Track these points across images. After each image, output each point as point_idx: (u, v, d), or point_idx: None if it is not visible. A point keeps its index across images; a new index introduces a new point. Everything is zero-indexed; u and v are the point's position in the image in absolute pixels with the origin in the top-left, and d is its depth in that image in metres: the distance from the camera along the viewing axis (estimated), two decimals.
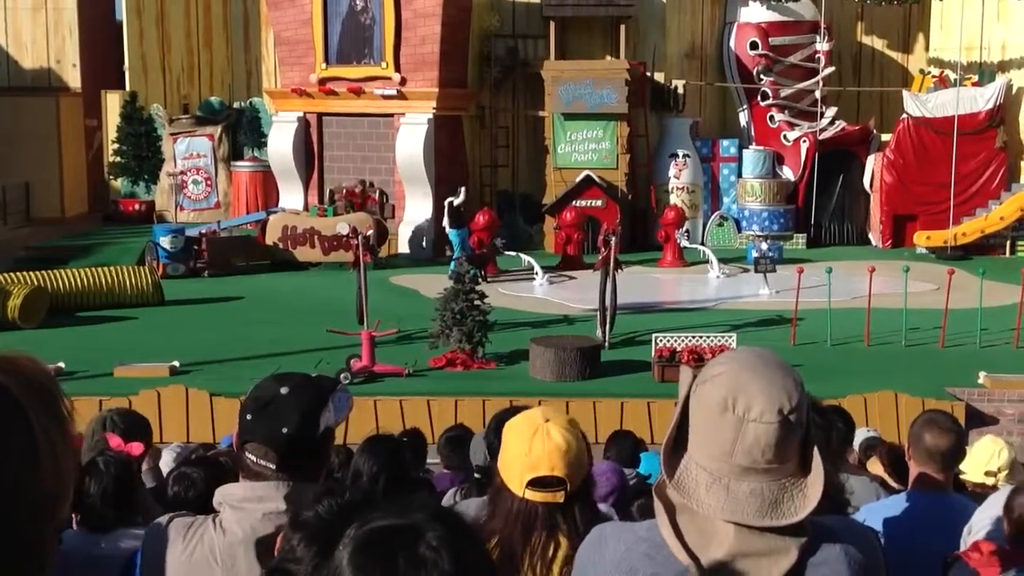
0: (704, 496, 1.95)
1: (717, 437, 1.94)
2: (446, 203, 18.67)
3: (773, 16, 22.11)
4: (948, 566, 3.41)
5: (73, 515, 3.67)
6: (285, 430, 2.60)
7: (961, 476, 4.86)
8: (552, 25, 21.42)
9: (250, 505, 2.63)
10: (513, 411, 3.01)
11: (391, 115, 20.68)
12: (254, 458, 2.64)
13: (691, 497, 1.96)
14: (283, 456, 2.60)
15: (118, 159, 23.93)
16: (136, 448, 3.66)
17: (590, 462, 2.78)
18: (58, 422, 1.38)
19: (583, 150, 21.11)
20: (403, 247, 20.19)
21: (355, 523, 1.57)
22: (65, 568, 3.21)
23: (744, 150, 21.85)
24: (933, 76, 21.66)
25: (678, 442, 2.03)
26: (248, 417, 2.67)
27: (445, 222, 18.68)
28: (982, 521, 3.43)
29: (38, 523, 1.35)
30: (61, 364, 12.14)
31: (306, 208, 20.73)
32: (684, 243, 19.67)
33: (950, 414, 4.24)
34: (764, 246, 18.69)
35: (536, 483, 2.62)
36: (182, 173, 23.34)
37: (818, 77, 21.75)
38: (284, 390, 2.66)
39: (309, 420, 2.62)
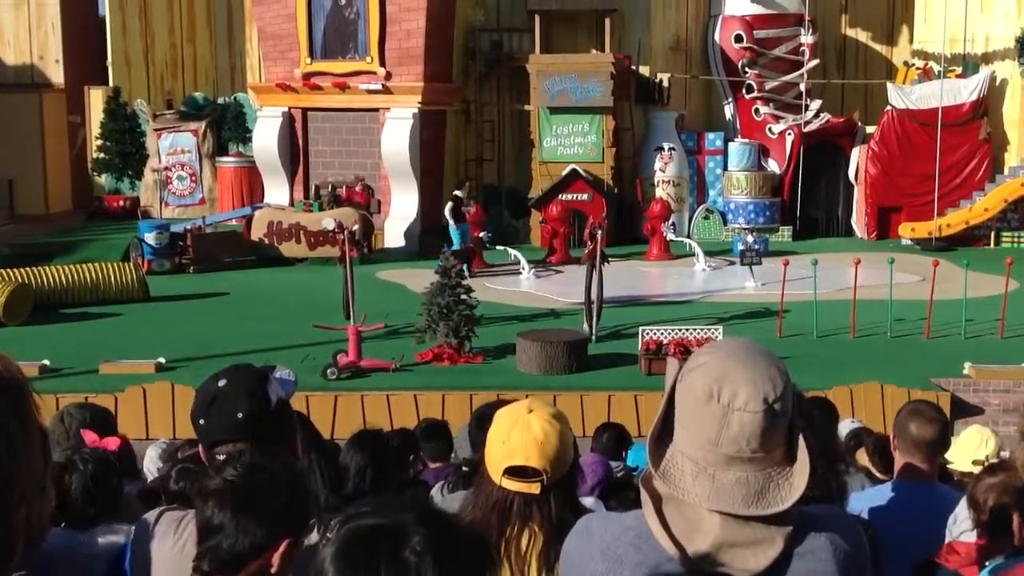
0: (690, 485, 1.95)
1: (702, 426, 1.94)
2: (452, 196, 18.70)
3: (757, 9, 22.14)
4: (923, 572, 3.42)
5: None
6: (240, 415, 2.60)
7: (948, 466, 4.89)
8: (537, 19, 21.41)
9: None
10: (497, 405, 3.01)
11: (376, 110, 20.65)
12: (225, 455, 2.63)
13: (677, 487, 1.96)
14: (249, 440, 2.59)
15: (102, 155, 23.82)
16: (112, 443, 3.64)
17: (576, 456, 2.77)
18: (22, 420, 1.36)
19: (569, 144, 21.11)
20: (389, 242, 20.16)
21: (341, 518, 1.55)
22: (48, 566, 3.19)
23: (729, 143, 21.89)
24: (917, 68, 21.72)
25: (664, 432, 2.03)
26: (202, 422, 2.67)
27: (448, 216, 18.64)
28: (966, 510, 3.44)
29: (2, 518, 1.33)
30: (46, 361, 12.11)
31: (292, 203, 20.68)
32: (670, 236, 19.70)
33: (935, 404, 4.26)
34: (750, 239, 18.73)
35: (513, 472, 2.63)
36: (166, 169, 23.26)
37: (803, 70, 21.79)
38: (222, 383, 2.67)
39: (258, 397, 2.63)
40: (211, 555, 2.17)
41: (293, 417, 2.74)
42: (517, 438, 2.63)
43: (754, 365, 1.95)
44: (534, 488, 2.62)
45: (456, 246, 17.69)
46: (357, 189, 19.81)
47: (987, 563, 3.17)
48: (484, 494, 2.70)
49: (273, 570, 2.14)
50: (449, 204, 18.73)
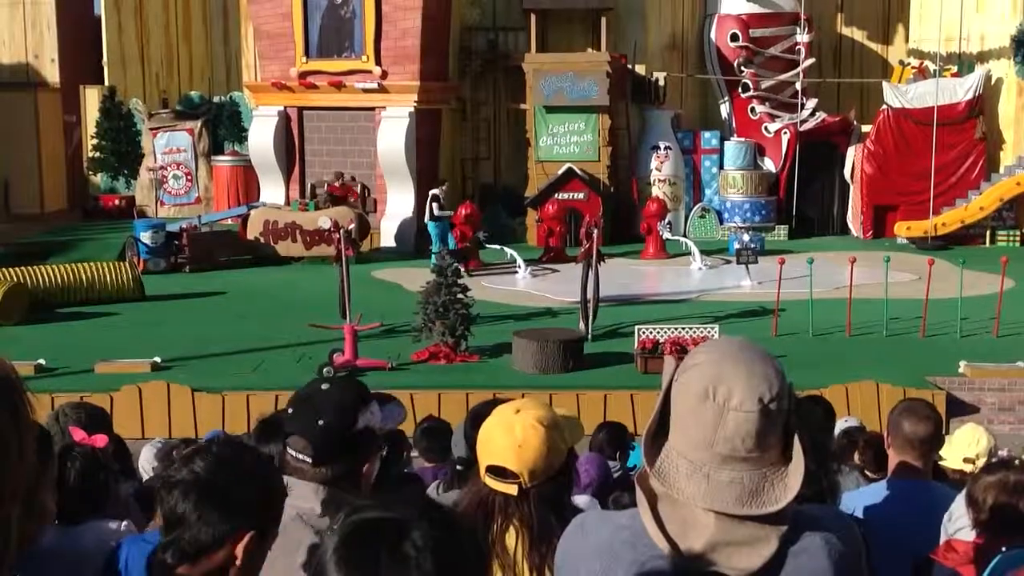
0: (684, 484, 1.95)
1: (698, 425, 1.94)
2: (430, 194, 18.72)
3: (753, 8, 22.15)
4: (922, 568, 3.43)
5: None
6: (321, 422, 2.65)
7: (941, 463, 4.90)
8: (533, 17, 21.41)
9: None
10: (492, 403, 3.01)
11: (372, 109, 20.63)
12: (294, 452, 2.68)
13: (672, 485, 1.96)
14: (319, 449, 2.62)
15: (97, 154, 23.81)
16: (100, 440, 3.66)
17: (568, 459, 2.77)
18: (16, 421, 1.36)
19: (565, 143, 21.11)
20: (385, 241, 20.16)
21: (344, 512, 1.57)
22: (41, 563, 3.20)
23: (725, 142, 21.90)
24: (913, 67, 21.76)
25: (660, 431, 2.03)
26: (289, 411, 2.75)
27: (428, 215, 18.68)
28: (961, 508, 3.45)
29: None
30: (41, 360, 12.10)
31: (287, 202, 20.67)
32: (666, 235, 19.70)
33: (928, 402, 4.27)
34: (746, 237, 18.77)
35: (494, 471, 2.64)
36: (162, 168, 23.24)
37: (799, 68, 21.79)
38: (324, 386, 2.74)
39: (345, 414, 2.66)
40: (173, 547, 2.16)
41: (376, 450, 2.76)
42: (498, 439, 2.66)
43: (750, 365, 1.95)
44: (511, 489, 2.64)
45: (435, 245, 17.70)
46: (337, 184, 19.80)
47: (992, 560, 3.17)
48: (473, 490, 2.74)
49: (237, 563, 2.13)
50: (434, 204, 18.72)
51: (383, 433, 2.82)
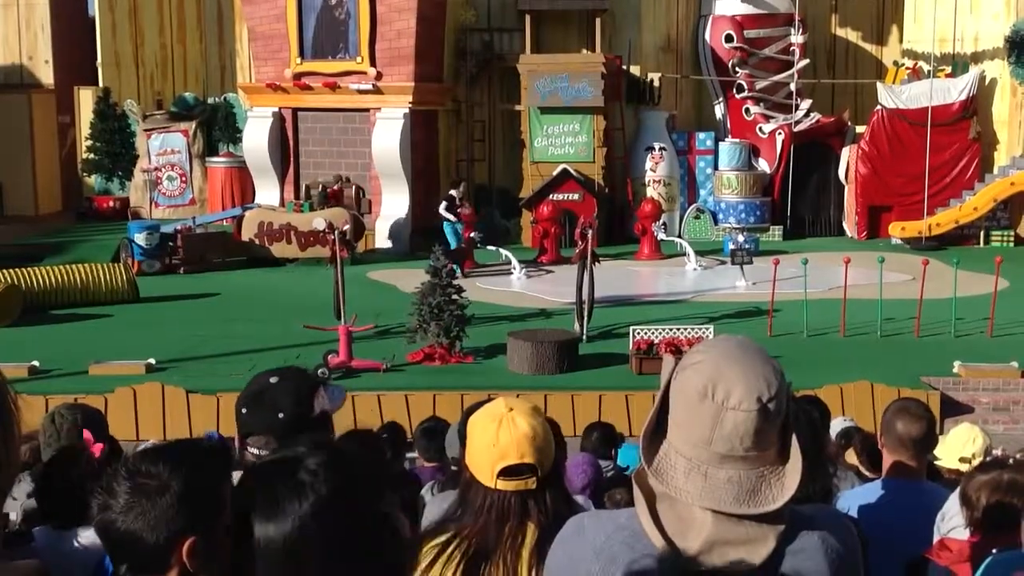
0: (682, 483, 1.95)
1: (696, 424, 1.94)
2: (447, 195, 18.81)
3: (748, 9, 22.17)
4: (916, 567, 3.43)
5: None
6: (281, 415, 2.65)
7: (936, 463, 4.90)
8: (528, 19, 21.41)
9: None
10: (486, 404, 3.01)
11: (367, 110, 20.63)
12: (256, 450, 2.65)
13: (669, 484, 1.96)
14: (283, 442, 2.61)
15: (92, 156, 23.75)
16: (97, 449, 3.66)
17: (560, 448, 2.79)
18: (1, 419, 1.36)
19: (559, 144, 21.11)
20: (380, 242, 20.15)
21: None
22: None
23: (720, 143, 21.91)
24: (907, 68, 21.79)
25: (658, 429, 2.03)
26: (244, 411, 2.72)
27: (444, 213, 18.74)
28: (955, 507, 3.45)
29: None
30: (36, 362, 12.07)
31: (282, 204, 20.65)
32: (661, 236, 19.71)
33: (921, 401, 4.28)
34: (740, 238, 18.79)
35: (507, 472, 2.62)
36: (156, 169, 23.20)
37: (793, 69, 21.82)
38: (274, 379, 2.72)
39: (303, 402, 2.66)
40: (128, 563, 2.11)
41: (331, 433, 2.76)
42: (507, 437, 2.63)
43: (749, 364, 1.95)
44: (531, 484, 2.62)
45: (452, 245, 17.77)
46: (336, 187, 19.79)
47: (986, 558, 3.17)
48: (476, 501, 2.66)
49: (190, 568, 2.08)
50: (444, 203, 18.77)
51: (331, 414, 2.83)
